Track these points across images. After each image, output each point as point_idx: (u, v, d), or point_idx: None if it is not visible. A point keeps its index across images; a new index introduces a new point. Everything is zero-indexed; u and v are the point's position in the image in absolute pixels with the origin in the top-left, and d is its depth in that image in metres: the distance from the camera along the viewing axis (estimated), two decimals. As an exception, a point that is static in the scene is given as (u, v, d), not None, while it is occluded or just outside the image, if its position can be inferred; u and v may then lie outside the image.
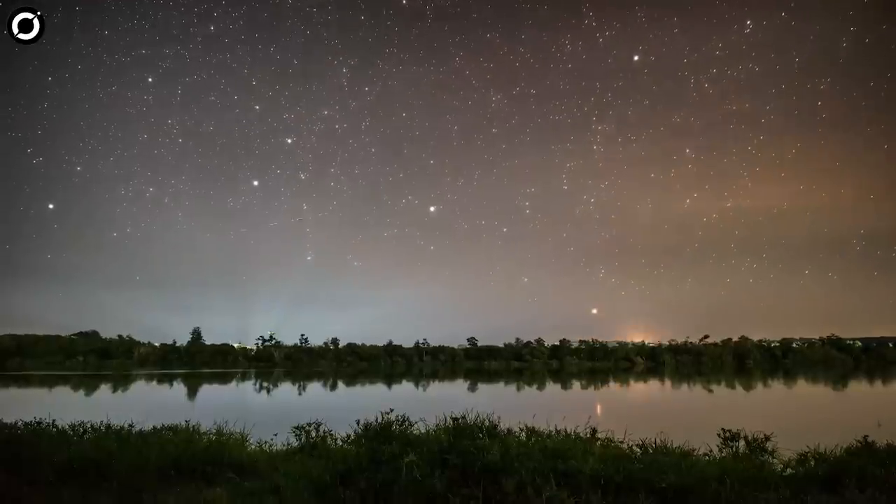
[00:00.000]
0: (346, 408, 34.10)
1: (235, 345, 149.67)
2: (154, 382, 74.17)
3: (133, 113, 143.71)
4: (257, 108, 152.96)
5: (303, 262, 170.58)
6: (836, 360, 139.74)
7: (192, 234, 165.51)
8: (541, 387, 67.69)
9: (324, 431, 14.10)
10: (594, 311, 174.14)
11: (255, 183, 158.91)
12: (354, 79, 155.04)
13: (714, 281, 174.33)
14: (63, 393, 55.47)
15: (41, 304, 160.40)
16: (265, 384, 72.16)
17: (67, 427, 13.77)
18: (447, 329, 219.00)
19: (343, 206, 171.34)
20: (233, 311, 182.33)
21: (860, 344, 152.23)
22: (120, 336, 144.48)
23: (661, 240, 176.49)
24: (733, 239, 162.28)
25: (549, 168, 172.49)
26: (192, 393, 56.52)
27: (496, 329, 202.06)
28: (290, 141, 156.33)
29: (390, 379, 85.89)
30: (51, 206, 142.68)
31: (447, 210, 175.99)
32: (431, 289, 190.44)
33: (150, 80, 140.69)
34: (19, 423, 14.04)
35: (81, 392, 55.94)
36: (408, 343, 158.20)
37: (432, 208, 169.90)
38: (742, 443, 12.66)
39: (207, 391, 60.07)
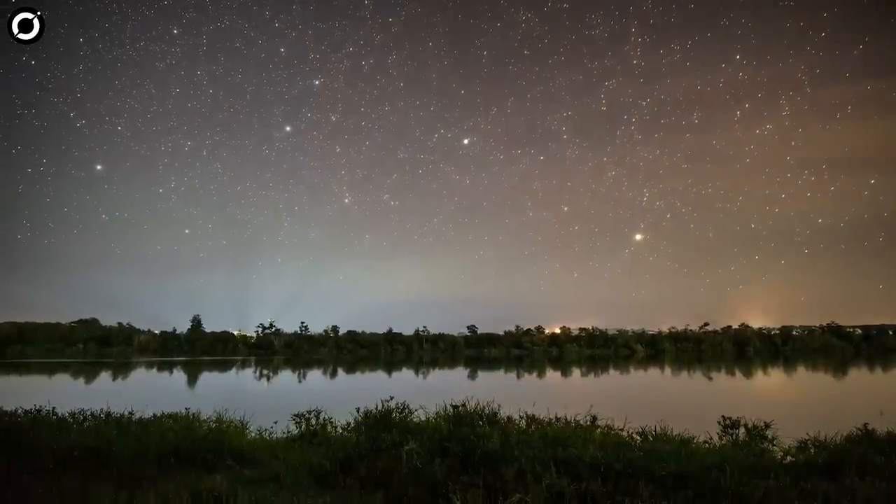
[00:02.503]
0: (346, 395, 34.18)
1: (235, 332, 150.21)
2: (154, 370, 74.33)
3: (163, 67, 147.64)
4: (282, 50, 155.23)
5: (340, 206, 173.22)
6: (835, 348, 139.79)
7: (232, 184, 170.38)
8: (541, 374, 67.82)
9: (324, 419, 14.12)
10: (637, 237, 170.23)
11: (288, 129, 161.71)
12: (377, 10, 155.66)
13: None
14: (63, 380, 55.57)
15: (42, 292, 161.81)
16: (265, 372, 72.31)
17: (67, 415, 13.79)
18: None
19: (376, 145, 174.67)
20: (267, 261, 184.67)
21: (860, 331, 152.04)
22: (120, 324, 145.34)
23: (709, 156, 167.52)
24: (789, 151, 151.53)
25: (587, 88, 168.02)
26: (191, 381, 56.62)
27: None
28: (317, 83, 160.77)
29: (390, 366, 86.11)
30: (99, 168, 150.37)
31: (481, 141, 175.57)
32: (461, 234, 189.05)
33: (175, 31, 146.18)
34: (19, 411, 14.07)
35: (81, 380, 56.04)
36: (408, 331, 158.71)
37: (466, 140, 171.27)
38: (742, 430, 12.67)
39: (207, 379, 60.17)
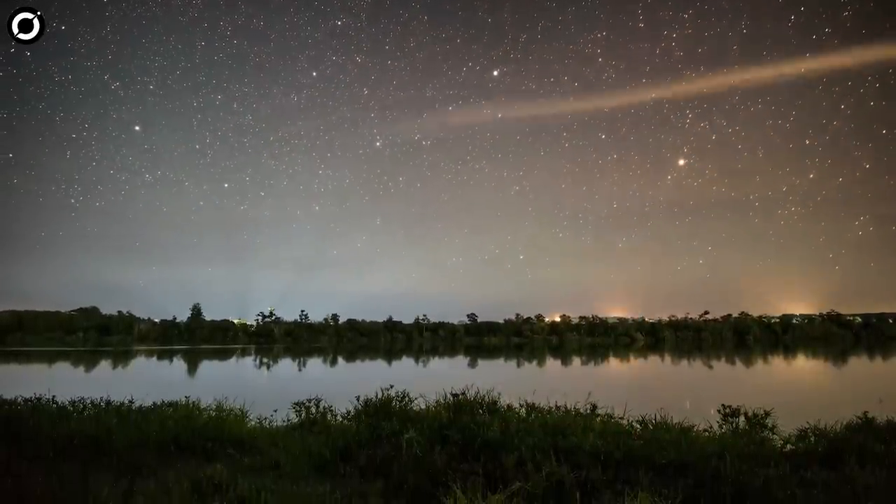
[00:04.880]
0: (345, 384, 34.23)
1: (235, 321, 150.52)
2: (154, 358, 74.47)
3: (186, 21, 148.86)
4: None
5: (372, 150, 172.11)
6: (835, 336, 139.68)
7: (265, 135, 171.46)
8: (541, 363, 67.92)
9: (323, 407, 14.12)
10: (680, 161, 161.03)
11: (314, 74, 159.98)
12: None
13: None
14: (63, 369, 55.67)
15: (42, 281, 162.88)
16: (265, 360, 72.45)
17: (67, 403, 13.76)
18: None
19: (404, 84, 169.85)
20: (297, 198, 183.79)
21: (860, 319, 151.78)
22: (120, 312, 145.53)
23: (759, 69, 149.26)
24: (850, 56, 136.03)
25: (622, 4, 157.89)
26: (191, 369, 56.73)
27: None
28: (339, 23, 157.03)
29: (390, 355, 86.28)
30: (137, 128, 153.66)
31: (512, 71, 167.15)
32: (495, 169, 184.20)
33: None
34: (19, 399, 14.04)
35: (81, 368, 56.14)
36: (408, 319, 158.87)
37: (495, 72, 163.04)
38: (742, 419, 12.64)
39: (207, 367, 60.30)
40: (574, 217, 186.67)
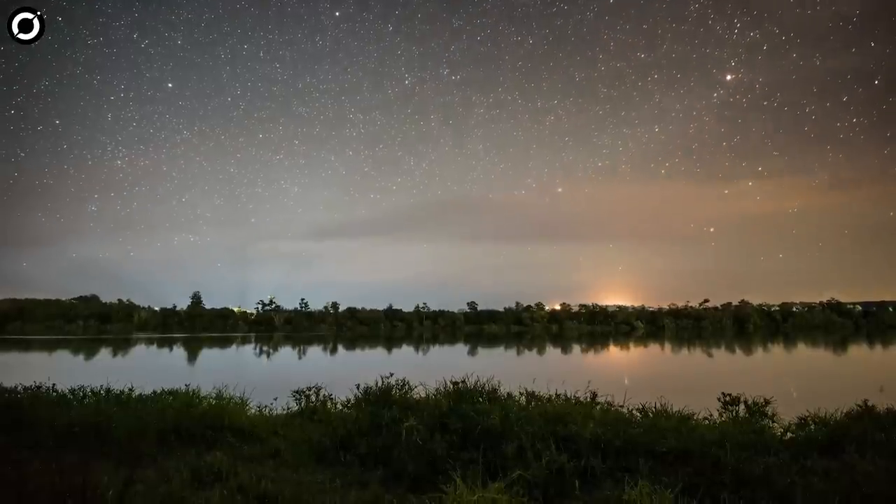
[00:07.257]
0: (346, 372, 34.26)
1: (235, 309, 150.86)
2: (154, 346, 74.60)
3: None
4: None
5: (401, 86, 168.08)
6: (836, 324, 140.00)
7: (293, 82, 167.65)
8: (541, 351, 68.02)
9: (324, 396, 14.11)
10: (728, 77, 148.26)
11: (337, 14, 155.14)
12: None
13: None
14: (63, 357, 55.71)
15: (42, 269, 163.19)
16: (265, 348, 72.58)
17: (67, 391, 13.75)
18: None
19: (428, 16, 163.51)
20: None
21: (860, 308, 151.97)
22: (120, 300, 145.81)
23: None
24: None
25: None
26: (191, 357, 56.83)
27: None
28: None
29: (390, 343, 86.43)
30: (170, 85, 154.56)
31: None
32: (528, 99, 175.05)
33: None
34: (19, 388, 14.00)
35: (81, 356, 56.18)
36: (408, 307, 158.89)
37: None
38: (742, 407, 12.63)
39: (207, 355, 60.40)
40: (613, 144, 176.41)
